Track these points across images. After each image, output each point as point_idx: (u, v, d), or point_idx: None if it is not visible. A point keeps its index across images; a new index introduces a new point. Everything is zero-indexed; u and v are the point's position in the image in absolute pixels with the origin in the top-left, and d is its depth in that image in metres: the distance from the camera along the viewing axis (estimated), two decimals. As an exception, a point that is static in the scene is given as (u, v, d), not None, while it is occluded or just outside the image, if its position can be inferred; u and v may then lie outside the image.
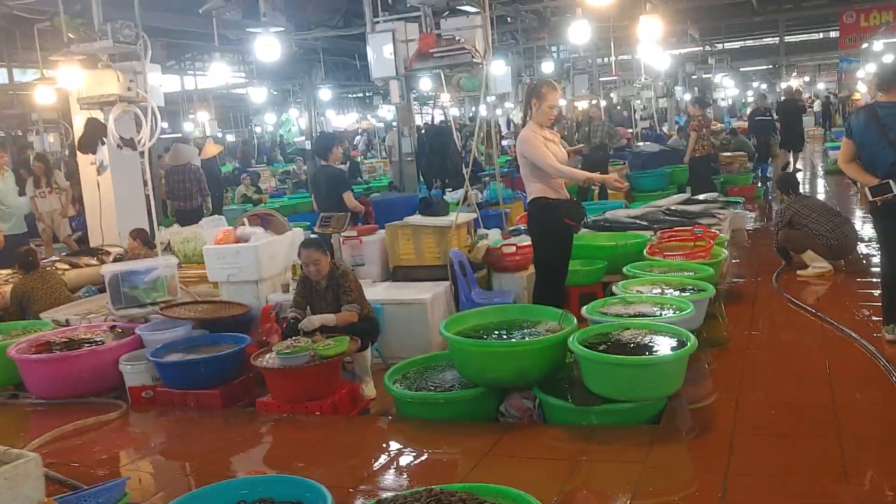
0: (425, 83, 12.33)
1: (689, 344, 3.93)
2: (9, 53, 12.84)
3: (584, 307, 4.72)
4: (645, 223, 7.91)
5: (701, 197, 9.42)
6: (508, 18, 13.32)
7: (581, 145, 12.06)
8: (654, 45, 12.07)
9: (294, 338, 4.75)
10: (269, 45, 7.75)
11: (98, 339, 5.59)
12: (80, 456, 4.22)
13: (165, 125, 22.75)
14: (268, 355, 4.75)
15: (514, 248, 6.17)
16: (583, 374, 4.04)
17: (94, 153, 7.06)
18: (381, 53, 5.76)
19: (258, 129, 29.52)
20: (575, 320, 4.43)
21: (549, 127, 5.44)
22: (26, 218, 9.28)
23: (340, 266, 5.27)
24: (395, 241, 6.28)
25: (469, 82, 11.16)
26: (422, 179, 7.86)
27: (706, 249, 6.16)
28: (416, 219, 6.22)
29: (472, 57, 5.52)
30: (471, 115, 19.35)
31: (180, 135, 18.12)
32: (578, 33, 9.70)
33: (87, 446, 4.40)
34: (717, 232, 7.02)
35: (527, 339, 4.34)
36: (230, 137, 28.68)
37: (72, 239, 9.74)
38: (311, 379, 4.63)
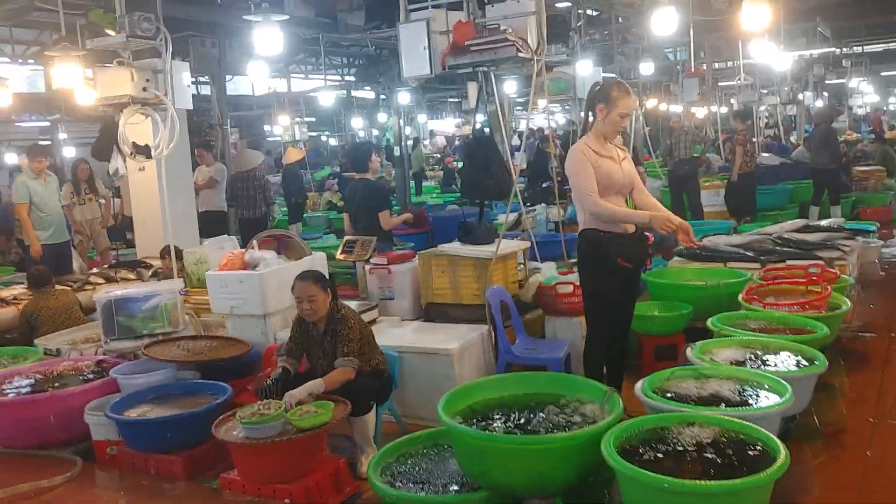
0: (510, 86, 11.28)
1: (777, 462, 2.68)
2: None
3: (639, 383, 3.51)
4: (750, 254, 6.52)
5: (824, 223, 7.89)
6: (596, 12, 12.06)
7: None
8: (767, 42, 10.48)
9: (264, 402, 3.79)
10: (268, 36, 6.85)
11: (86, 377, 4.85)
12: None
13: (267, 128, 22.66)
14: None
15: (570, 288, 4.99)
16: (621, 492, 2.87)
17: (107, 160, 6.39)
18: (414, 48, 4.75)
19: (362, 134, 29.12)
20: (621, 404, 3.24)
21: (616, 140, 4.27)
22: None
23: (342, 309, 4.27)
24: (429, 273, 5.23)
25: (555, 85, 10.02)
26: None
27: (821, 299, 4.78)
28: (452, 247, 5.16)
29: (519, 51, 4.41)
30: (562, 123, 18.07)
31: (280, 138, 17.79)
32: (662, 23, 8.32)
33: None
34: (838, 272, 5.59)
35: (553, 431, 3.20)
36: (333, 142, 28.36)
37: (108, 252, 9.22)
38: (282, 456, 3.65)
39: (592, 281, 4.13)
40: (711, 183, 11.62)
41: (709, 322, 4.50)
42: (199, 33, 11.96)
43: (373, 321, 5.20)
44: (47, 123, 19.13)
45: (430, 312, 5.28)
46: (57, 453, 4.38)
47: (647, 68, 12.83)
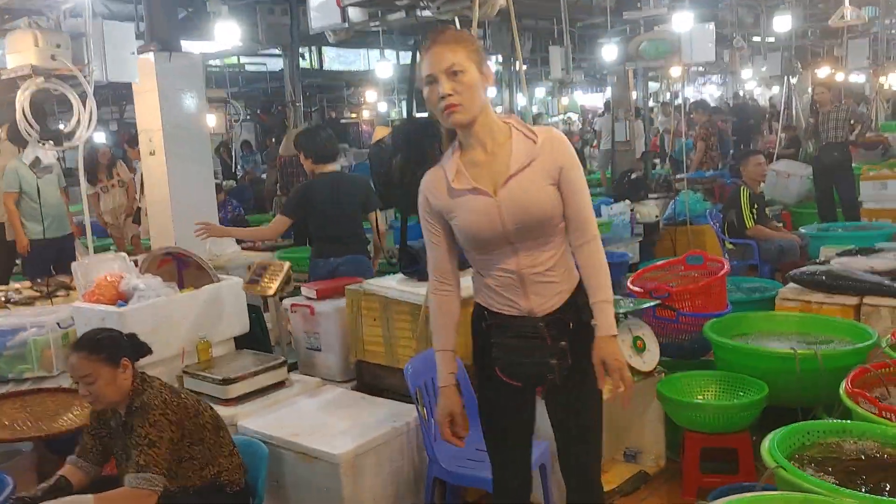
0: (610, 51, 9.33)
1: None
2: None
3: None
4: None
5: None
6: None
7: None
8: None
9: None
10: None
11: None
12: None
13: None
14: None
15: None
16: None
17: (23, 147, 5.18)
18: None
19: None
20: None
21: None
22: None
23: (145, 391, 2.71)
24: (358, 319, 3.58)
25: (652, 48, 7.94)
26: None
27: None
28: (384, 283, 3.47)
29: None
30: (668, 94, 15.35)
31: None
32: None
33: None
34: None
35: None
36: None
37: (140, 241, 8.21)
38: None
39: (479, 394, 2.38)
40: (879, 172, 8.86)
41: (764, 450, 2.53)
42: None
43: (278, 384, 3.62)
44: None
45: (363, 375, 3.64)
46: None
47: (782, 23, 9.77)
